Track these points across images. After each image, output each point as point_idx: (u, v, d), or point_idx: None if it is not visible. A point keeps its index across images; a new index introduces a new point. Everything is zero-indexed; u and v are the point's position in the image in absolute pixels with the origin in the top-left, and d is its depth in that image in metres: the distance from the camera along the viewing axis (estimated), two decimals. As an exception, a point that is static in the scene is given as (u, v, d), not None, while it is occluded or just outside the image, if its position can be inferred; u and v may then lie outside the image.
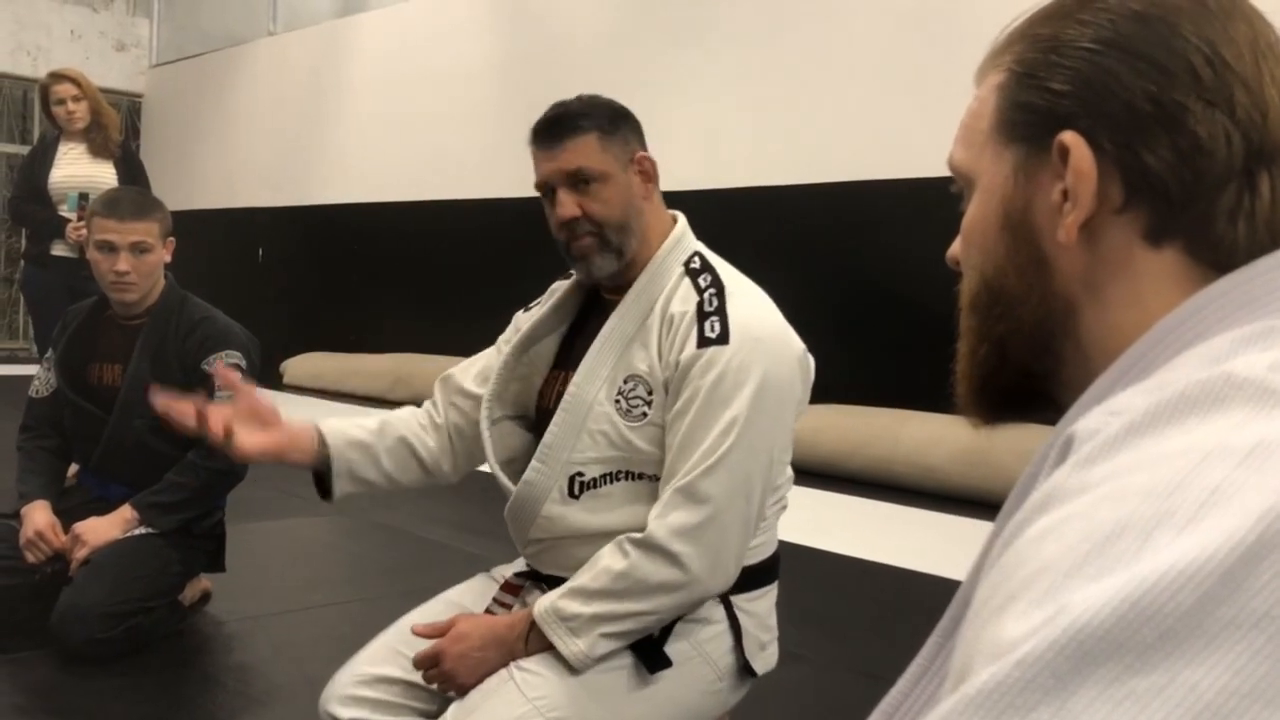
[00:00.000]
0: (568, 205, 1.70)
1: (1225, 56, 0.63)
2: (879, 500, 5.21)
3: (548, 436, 1.70)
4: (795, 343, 1.70)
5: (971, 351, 0.72)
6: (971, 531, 4.51)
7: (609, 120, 1.72)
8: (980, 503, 4.96)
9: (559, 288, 1.89)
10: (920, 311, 5.52)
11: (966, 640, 0.49)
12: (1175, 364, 0.58)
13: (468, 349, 8.41)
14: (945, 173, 0.76)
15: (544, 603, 1.64)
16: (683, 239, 1.77)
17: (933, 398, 5.40)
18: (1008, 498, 0.61)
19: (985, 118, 0.71)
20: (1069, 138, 0.64)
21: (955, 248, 0.75)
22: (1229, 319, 0.59)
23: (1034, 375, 0.70)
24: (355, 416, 1.92)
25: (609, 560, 1.62)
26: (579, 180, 1.70)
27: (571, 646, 1.59)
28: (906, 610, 3.42)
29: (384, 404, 8.28)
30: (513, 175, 8.30)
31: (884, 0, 6.26)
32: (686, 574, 1.59)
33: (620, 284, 1.75)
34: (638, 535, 1.61)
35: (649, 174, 1.75)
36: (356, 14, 10.19)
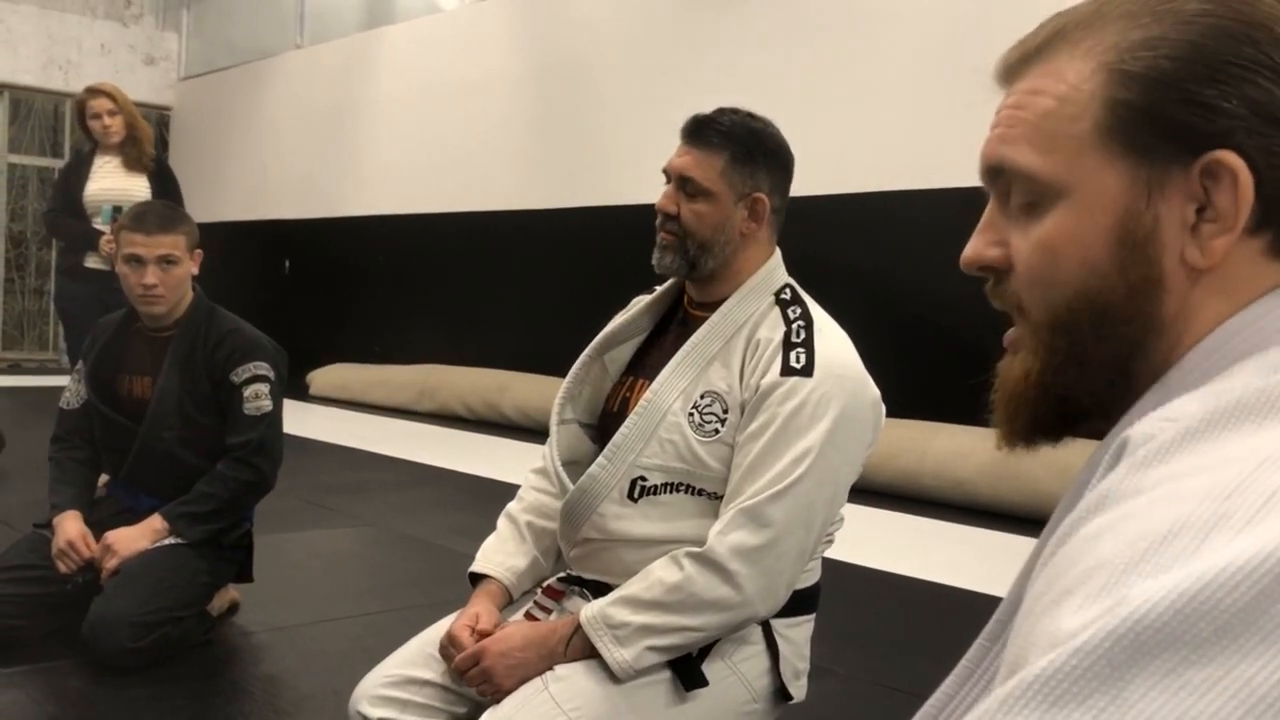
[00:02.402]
0: (669, 200, 1.77)
1: None
2: (907, 513, 5.18)
3: (617, 436, 1.72)
4: (872, 388, 1.73)
5: (1056, 373, 0.68)
6: (1000, 545, 4.49)
7: (746, 150, 1.76)
8: (1009, 516, 4.93)
9: (641, 300, 1.92)
10: (949, 323, 5.51)
11: (1020, 634, 0.50)
12: (1232, 372, 0.58)
13: (492, 360, 8.45)
14: (975, 182, 0.72)
15: (592, 608, 1.64)
16: (776, 270, 1.81)
17: (962, 410, 5.36)
18: (1058, 505, 0.62)
19: (1080, 120, 0.65)
20: (1230, 159, 0.61)
21: (983, 251, 0.71)
22: None
23: (1103, 398, 0.68)
24: (501, 527, 1.92)
25: (662, 572, 1.63)
26: (686, 185, 1.75)
27: (616, 655, 1.60)
28: (934, 625, 3.40)
29: (410, 415, 8.32)
30: (539, 187, 8.34)
31: (911, 9, 6.26)
32: (740, 594, 1.61)
33: (709, 301, 1.79)
34: (695, 550, 1.62)
35: (758, 215, 1.77)
36: (384, 26, 10.26)
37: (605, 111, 7.91)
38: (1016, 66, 0.70)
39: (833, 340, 1.72)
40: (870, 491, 5.20)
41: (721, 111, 1.80)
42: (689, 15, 7.46)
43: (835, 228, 6.20)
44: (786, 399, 1.64)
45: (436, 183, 9.21)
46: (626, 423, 1.72)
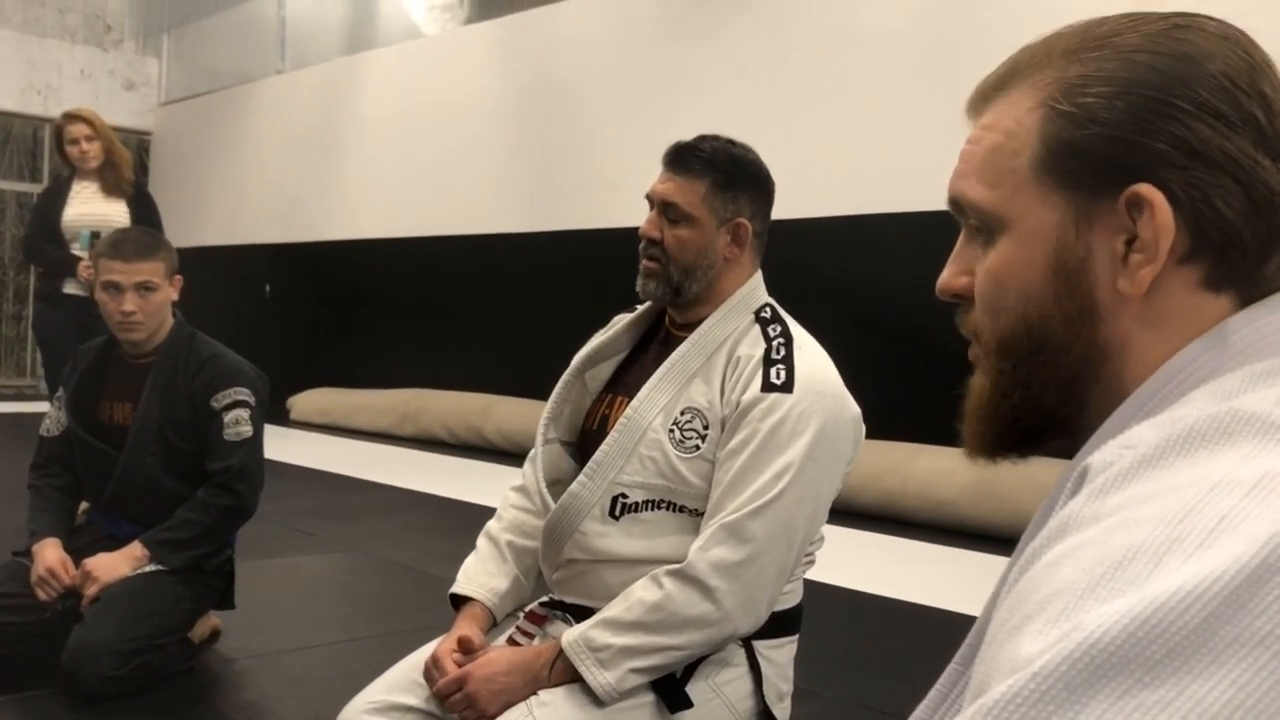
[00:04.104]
0: (652, 226, 1.79)
1: (1277, 110, 0.64)
2: (890, 535, 5.19)
3: (598, 454, 1.73)
4: (852, 405, 1.74)
5: (1003, 395, 0.70)
6: (983, 566, 4.49)
7: (728, 176, 1.78)
8: (992, 537, 4.94)
9: (622, 319, 1.94)
10: (931, 344, 5.52)
11: (984, 660, 0.52)
12: (1188, 399, 0.60)
13: (474, 384, 8.42)
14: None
15: (574, 633, 1.64)
16: (756, 289, 1.83)
17: (944, 431, 5.41)
18: (1026, 528, 0.63)
19: (1020, 155, 0.68)
20: (1147, 191, 0.63)
21: (951, 280, 0.74)
22: (1240, 355, 0.61)
23: (1057, 419, 0.70)
24: (481, 545, 1.92)
25: (643, 593, 1.63)
26: (669, 211, 1.77)
27: (600, 678, 1.60)
28: (917, 646, 3.40)
29: (392, 439, 8.29)
30: (520, 210, 8.36)
31: (890, 35, 6.31)
32: (720, 610, 1.61)
33: (690, 322, 1.81)
34: (674, 566, 1.62)
35: (740, 240, 1.80)
36: (365, 51, 10.28)
37: (587, 135, 7.93)
38: (978, 103, 0.72)
39: (812, 357, 1.74)
40: (853, 513, 5.22)
41: (703, 138, 1.82)
42: (670, 40, 7.51)
43: (817, 250, 6.23)
44: (767, 415, 1.65)
45: (418, 206, 9.22)
46: (607, 440, 1.73)
